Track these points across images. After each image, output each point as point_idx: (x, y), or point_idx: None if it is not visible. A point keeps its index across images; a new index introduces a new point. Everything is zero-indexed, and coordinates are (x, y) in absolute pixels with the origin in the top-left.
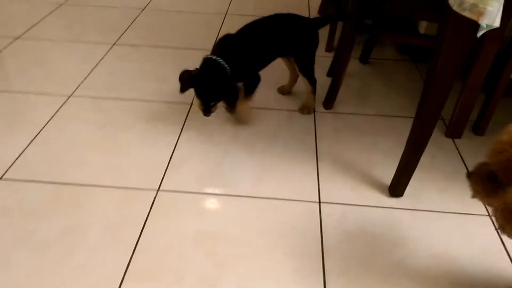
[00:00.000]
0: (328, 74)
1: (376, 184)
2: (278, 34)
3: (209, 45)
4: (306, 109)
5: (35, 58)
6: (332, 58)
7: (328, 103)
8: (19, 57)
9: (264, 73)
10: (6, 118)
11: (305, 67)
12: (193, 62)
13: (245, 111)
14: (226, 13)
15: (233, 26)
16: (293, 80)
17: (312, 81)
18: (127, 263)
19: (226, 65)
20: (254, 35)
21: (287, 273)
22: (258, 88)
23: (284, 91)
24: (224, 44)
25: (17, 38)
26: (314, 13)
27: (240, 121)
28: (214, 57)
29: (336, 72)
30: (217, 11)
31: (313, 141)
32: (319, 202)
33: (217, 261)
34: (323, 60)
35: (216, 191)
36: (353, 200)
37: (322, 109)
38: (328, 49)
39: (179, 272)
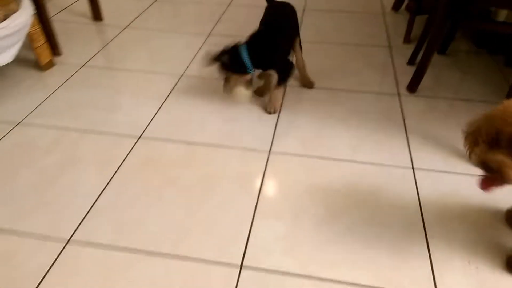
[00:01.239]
0: (409, 63)
1: (465, 156)
2: (291, 19)
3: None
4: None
5: (144, 45)
6: (411, 48)
7: (413, 87)
8: (130, 42)
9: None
10: (132, 91)
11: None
12: None
13: (279, 97)
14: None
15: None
16: (302, 66)
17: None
18: (255, 204)
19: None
20: (277, 24)
21: (392, 222)
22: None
23: (307, 82)
24: (255, 36)
25: (126, 27)
26: (388, 9)
27: (270, 105)
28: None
29: (423, 58)
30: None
31: (401, 119)
32: (413, 168)
33: (330, 208)
34: (401, 49)
35: (319, 155)
36: (444, 168)
37: (406, 92)
38: (406, 41)
39: (297, 213)
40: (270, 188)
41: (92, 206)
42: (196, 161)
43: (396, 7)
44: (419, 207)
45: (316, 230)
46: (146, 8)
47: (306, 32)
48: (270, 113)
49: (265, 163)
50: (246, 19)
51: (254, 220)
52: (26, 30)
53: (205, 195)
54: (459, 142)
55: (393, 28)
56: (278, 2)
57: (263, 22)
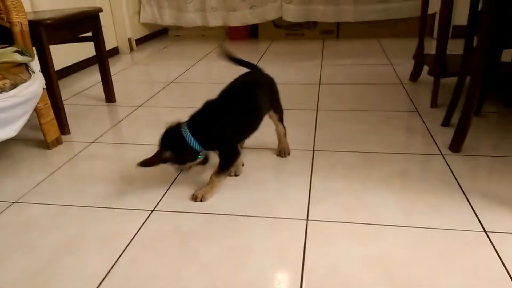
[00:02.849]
0: (443, 125)
1: None
2: (259, 94)
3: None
4: (287, 150)
5: (155, 121)
6: (440, 112)
7: (456, 147)
8: (141, 120)
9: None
10: None
11: (281, 113)
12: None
13: (214, 186)
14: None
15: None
16: (282, 137)
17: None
18: (300, 280)
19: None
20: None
21: None
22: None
23: (286, 151)
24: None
25: (139, 106)
26: (405, 80)
27: (199, 192)
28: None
29: (463, 120)
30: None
31: (453, 179)
32: (485, 231)
33: (398, 282)
34: (430, 113)
35: (367, 221)
36: None
37: (449, 152)
38: (433, 105)
39: None
40: (316, 260)
41: None
42: (217, 233)
43: (413, 78)
44: (507, 274)
45: None
46: (159, 91)
47: (327, 102)
48: (195, 200)
49: (303, 232)
50: None
51: None
52: (34, 103)
53: (233, 272)
54: None
55: (416, 96)
56: (251, 73)
57: (222, 93)
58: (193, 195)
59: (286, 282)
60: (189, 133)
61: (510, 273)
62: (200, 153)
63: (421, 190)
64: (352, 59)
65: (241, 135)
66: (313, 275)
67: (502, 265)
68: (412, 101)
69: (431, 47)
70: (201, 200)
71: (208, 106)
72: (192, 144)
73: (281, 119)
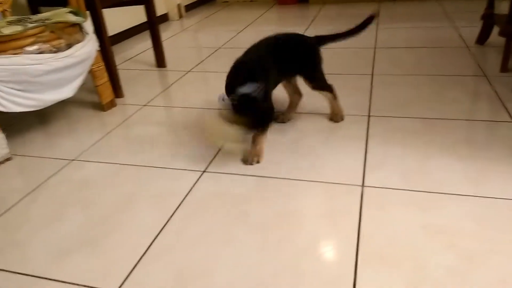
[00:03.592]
0: None
1: None
2: (285, 55)
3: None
4: (339, 117)
5: (204, 85)
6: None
7: None
8: (191, 84)
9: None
10: (196, 127)
11: (319, 81)
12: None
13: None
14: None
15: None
16: (295, 105)
17: (331, 89)
18: (355, 248)
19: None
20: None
21: None
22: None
23: (286, 118)
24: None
25: (188, 71)
26: (471, 43)
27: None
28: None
29: None
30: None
31: None
32: None
33: (462, 254)
34: (500, 78)
35: (430, 189)
36: None
37: None
38: (504, 69)
39: (418, 261)
40: (373, 227)
41: (148, 249)
42: (268, 197)
43: (481, 41)
44: None
45: (450, 283)
46: (207, 56)
47: (384, 66)
48: (250, 163)
49: (359, 199)
50: None
51: (358, 269)
52: (89, 63)
53: (285, 236)
54: None
55: (483, 60)
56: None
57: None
58: (245, 160)
59: (341, 250)
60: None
61: None
62: None
63: (489, 158)
64: (410, 22)
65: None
66: (369, 243)
67: None
68: (479, 65)
69: (500, 8)
70: (257, 162)
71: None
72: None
73: (318, 87)
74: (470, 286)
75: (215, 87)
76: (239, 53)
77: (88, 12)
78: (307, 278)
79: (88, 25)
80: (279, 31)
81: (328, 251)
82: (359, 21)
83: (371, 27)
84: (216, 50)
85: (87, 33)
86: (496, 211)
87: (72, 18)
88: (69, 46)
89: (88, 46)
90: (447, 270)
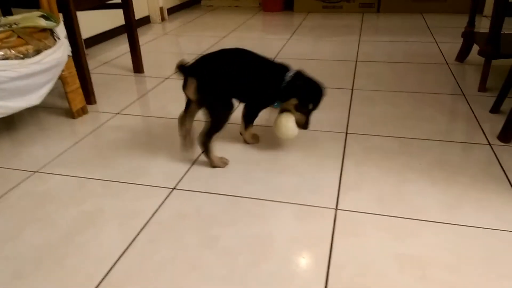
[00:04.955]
0: (492, 111)
1: None
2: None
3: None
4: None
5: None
6: (488, 96)
7: (506, 136)
8: (170, 92)
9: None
10: (171, 138)
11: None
12: None
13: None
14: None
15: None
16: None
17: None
18: (325, 276)
19: None
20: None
21: None
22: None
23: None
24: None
25: (166, 78)
26: (451, 60)
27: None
28: None
29: None
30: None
31: (502, 173)
32: None
33: (438, 285)
34: (478, 97)
35: (404, 215)
36: None
37: (498, 142)
38: (481, 89)
39: None
40: (344, 255)
41: (106, 275)
42: (239, 218)
43: (461, 58)
44: None
45: None
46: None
47: (364, 81)
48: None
49: (332, 223)
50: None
51: None
52: (59, 70)
53: (254, 262)
54: None
55: (462, 78)
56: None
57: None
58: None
59: (310, 277)
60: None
61: None
62: None
63: (465, 183)
64: (393, 36)
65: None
66: (340, 271)
67: None
68: (457, 83)
69: (480, 25)
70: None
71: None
72: None
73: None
74: None
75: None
76: (248, 41)
77: (61, 15)
78: None
79: (61, 30)
80: (262, 38)
81: (297, 280)
82: (341, 31)
83: (355, 39)
84: (197, 56)
85: (59, 38)
86: (470, 240)
87: (43, 23)
88: (37, 52)
89: (59, 52)
90: None
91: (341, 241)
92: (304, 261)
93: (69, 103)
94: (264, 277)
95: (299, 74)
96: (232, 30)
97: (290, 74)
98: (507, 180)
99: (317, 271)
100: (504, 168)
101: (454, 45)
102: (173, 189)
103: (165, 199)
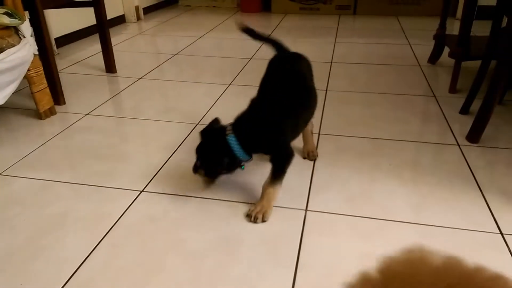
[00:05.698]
0: (461, 112)
1: None
2: (307, 81)
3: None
4: (315, 152)
5: (158, 94)
6: (458, 97)
7: (474, 137)
8: (143, 92)
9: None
10: (142, 140)
11: None
12: None
13: (271, 198)
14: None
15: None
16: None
17: None
18: (292, 279)
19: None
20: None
21: None
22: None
23: (315, 153)
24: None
25: (140, 78)
26: (423, 62)
27: (257, 210)
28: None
29: (484, 108)
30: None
31: (469, 173)
32: (501, 233)
33: None
34: (448, 98)
35: (371, 215)
36: None
37: (466, 143)
38: (452, 90)
39: None
40: (313, 256)
41: (71, 277)
42: (208, 221)
43: (432, 60)
44: None
45: None
46: (163, 62)
47: (338, 82)
48: (254, 221)
49: (301, 224)
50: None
51: None
52: (24, 69)
53: (221, 264)
54: None
55: (434, 79)
56: (289, 54)
57: (265, 86)
58: (249, 215)
59: (278, 278)
60: (235, 140)
61: None
62: (244, 161)
63: (433, 183)
64: (368, 38)
65: (296, 131)
66: (307, 271)
67: None
68: (429, 84)
69: (453, 28)
70: (263, 221)
71: (258, 104)
72: (238, 154)
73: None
74: None
75: (167, 96)
76: (197, 60)
77: (27, 13)
78: None
79: (26, 28)
80: (239, 39)
81: (264, 282)
82: (318, 32)
83: (331, 41)
84: (172, 56)
85: (24, 36)
86: (436, 239)
87: (6, 20)
88: (0, 50)
89: (23, 51)
90: None
91: (310, 241)
92: (271, 263)
93: (36, 103)
94: (231, 280)
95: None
96: (209, 30)
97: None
98: (474, 180)
99: (285, 273)
100: (471, 168)
101: (426, 47)
102: (141, 191)
103: (132, 202)
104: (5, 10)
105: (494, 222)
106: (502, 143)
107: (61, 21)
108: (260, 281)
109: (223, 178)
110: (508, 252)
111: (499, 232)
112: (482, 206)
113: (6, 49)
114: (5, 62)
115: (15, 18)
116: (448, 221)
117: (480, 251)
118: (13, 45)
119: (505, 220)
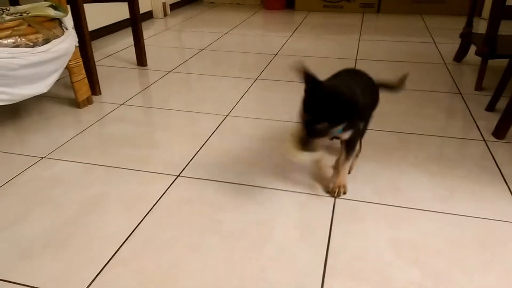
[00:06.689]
0: (487, 109)
1: None
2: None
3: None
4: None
5: (187, 87)
6: (484, 95)
7: (501, 133)
8: (173, 85)
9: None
10: (174, 129)
11: None
12: None
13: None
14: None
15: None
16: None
17: None
18: (324, 260)
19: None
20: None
21: None
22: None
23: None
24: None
25: (169, 71)
26: (449, 60)
27: (336, 185)
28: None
29: (511, 105)
30: (345, 56)
31: (495, 167)
32: None
33: (427, 271)
34: (474, 96)
35: (399, 204)
36: None
37: (493, 139)
38: (478, 88)
39: (384, 275)
40: (342, 239)
41: (115, 253)
42: (243, 203)
43: (458, 58)
44: None
45: None
46: (190, 57)
47: None
48: (338, 195)
49: (331, 210)
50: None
51: (325, 281)
52: (66, 59)
53: (254, 246)
54: None
55: (459, 77)
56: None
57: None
58: (331, 191)
59: (310, 262)
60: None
61: None
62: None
63: (459, 176)
64: (392, 36)
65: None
66: (337, 255)
67: None
68: (455, 82)
69: (478, 27)
70: (344, 193)
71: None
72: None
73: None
74: None
75: (196, 89)
76: (222, 55)
77: (68, 7)
78: None
79: (68, 20)
80: (264, 35)
81: (296, 263)
82: (342, 30)
83: (355, 38)
84: (199, 52)
85: (66, 28)
86: (463, 228)
87: (52, 12)
88: (46, 41)
89: (67, 42)
90: (412, 286)
91: (339, 227)
92: (303, 246)
93: (75, 92)
94: (264, 260)
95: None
96: (234, 27)
97: None
98: (500, 173)
99: (316, 256)
100: (497, 162)
101: (452, 45)
102: (178, 176)
103: (169, 186)
104: (50, 3)
105: None
106: None
107: (94, 16)
108: (293, 262)
109: (246, 161)
110: None
111: None
112: (508, 197)
113: (52, 40)
114: (51, 52)
115: (59, 11)
116: (475, 212)
117: (505, 241)
118: (58, 36)
119: None
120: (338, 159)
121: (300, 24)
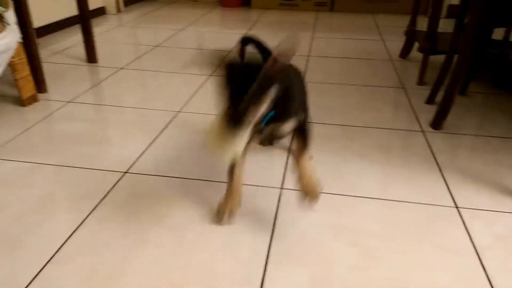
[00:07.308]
0: (427, 102)
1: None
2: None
3: None
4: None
5: (139, 83)
6: (426, 89)
7: (437, 124)
8: (124, 81)
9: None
10: (124, 126)
11: None
12: None
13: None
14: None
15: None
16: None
17: None
18: (268, 246)
19: None
20: None
21: (441, 265)
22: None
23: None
24: None
25: (121, 68)
26: (395, 57)
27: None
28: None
29: (446, 98)
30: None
31: (431, 156)
32: (457, 207)
33: (364, 252)
34: (416, 90)
35: (341, 192)
36: (494, 207)
37: (430, 130)
38: (420, 82)
39: (324, 259)
40: (286, 228)
41: (58, 250)
42: (189, 197)
43: (403, 55)
44: (475, 252)
45: (353, 280)
46: (144, 54)
47: (315, 75)
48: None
49: (277, 200)
50: None
51: (268, 268)
52: (8, 56)
53: (202, 236)
54: (504, 178)
55: (404, 72)
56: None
57: None
58: (310, 198)
59: (254, 249)
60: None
61: (477, 248)
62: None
63: (399, 164)
64: (344, 33)
65: None
66: (281, 242)
67: (469, 240)
68: (399, 77)
69: (424, 25)
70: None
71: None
72: None
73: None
74: (371, 282)
75: (148, 86)
76: (177, 51)
77: (11, 1)
78: (216, 279)
79: (10, 16)
80: (220, 32)
81: (242, 249)
82: (296, 27)
83: (308, 36)
84: (153, 48)
85: (8, 24)
86: (399, 212)
87: None
88: None
89: (8, 38)
90: (351, 267)
91: (284, 215)
92: (249, 233)
93: (18, 90)
94: (212, 248)
95: None
96: (190, 23)
97: None
98: (435, 161)
99: (261, 241)
100: (433, 151)
101: (398, 43)
102: (125, 172)
103: (116, 182)
104: None
105: (450, 197)
106: (464, 130)
107: (41, 12)
108: (239, 249)
109: (196, 156)
110: (462, 223)
111: (454, 206)
112: (441, 184)
113: None
114: None
115: (0, 6)
116: (410, 197)
117: (438, 223)
118: None
119: (461, 195)
120: (295, 157)
121: (256, 21)
